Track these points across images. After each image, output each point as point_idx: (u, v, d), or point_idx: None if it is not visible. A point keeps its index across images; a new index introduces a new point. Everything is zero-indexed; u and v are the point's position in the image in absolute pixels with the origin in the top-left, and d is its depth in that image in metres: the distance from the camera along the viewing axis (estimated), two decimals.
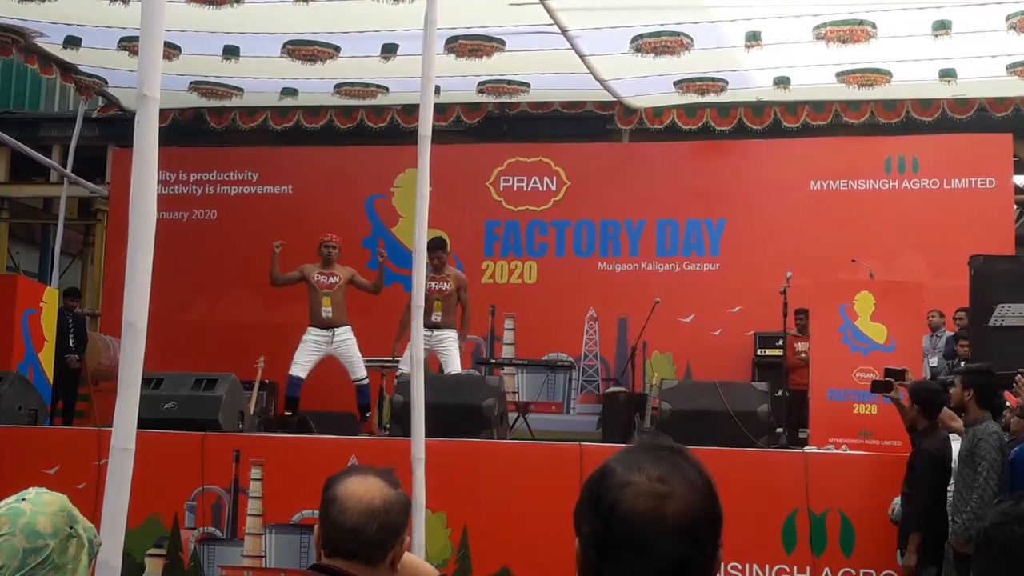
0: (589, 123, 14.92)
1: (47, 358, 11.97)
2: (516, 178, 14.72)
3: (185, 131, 14.97)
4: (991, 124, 13.56)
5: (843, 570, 8.53)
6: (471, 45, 11.67)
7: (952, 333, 11.93)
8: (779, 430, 10.37)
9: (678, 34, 11.20)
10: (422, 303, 7.68)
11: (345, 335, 11.27)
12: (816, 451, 9.15)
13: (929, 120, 13.46)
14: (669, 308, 13.10)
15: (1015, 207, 14.32)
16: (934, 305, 11.94)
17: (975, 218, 13.29)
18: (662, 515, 1.75)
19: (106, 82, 13.82)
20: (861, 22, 10.78)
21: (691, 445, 1.88)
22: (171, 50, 11.51)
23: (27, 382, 10.80)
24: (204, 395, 9.82)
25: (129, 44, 11.63)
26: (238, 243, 14.74)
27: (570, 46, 11.62)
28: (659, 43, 11.30)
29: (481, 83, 13.27)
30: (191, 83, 13.47)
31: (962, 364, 10.25)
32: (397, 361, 11.31)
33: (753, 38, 11.17)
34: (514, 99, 14.02)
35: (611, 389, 13.20)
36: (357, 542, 2.66)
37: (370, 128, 14.59)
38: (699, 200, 14.26)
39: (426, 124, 7.50)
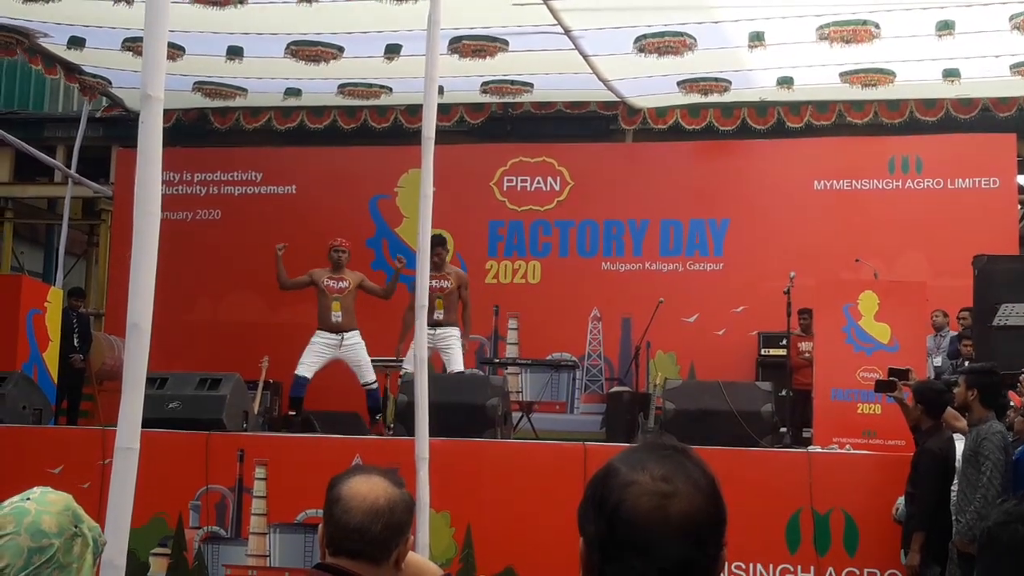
0: (593, 123, 14.92)
1: (51, 358, 11.99)
2: (520, 178, 14.72)
3: (189, 131, 14.98)
4: (995, 124, 13.55)
5: (847, 570, 8.53)
6: (475, 45, 11.68)
7: (956, 333, 11.93)
8: (783, 430, 10.37)
9: (681, 34, 11.21)
10: (426, 303, 7.68)
11: (354, 339, 11.28)
12: (820, 451, 9.14)
13: (933, 120, 13.45)
14: (673, 308, 13.10)
15: (1019, 207, 14.30)
16: (938, 305, 11.94)
17: (979, 218, 13.28)
18: (666, 515, 1.75)
19: (110, 82, 13.84)
20: (864, 22, 10.78)
21: (695, 445, 1.89)
22: (175, 50, 11.53)
23: (31, 382, 10.82)
24: (208, 395, 9.83)
25: (133, 44, 11.65)
26: (242, 243, 14.74)
27: (574, 46, 11.62)
28: (662, 43, 11.31)
29: (485, 83, 13.27)
30: (195, 83, 13.48)
31: (966, 364, 10.25)
32: (400, 361, 11.32)
33: (756, 38, 11.17)
34: (518, 99, 14.02)
35: (615, 389, 13.20)
36: (361, 541, 2.67)
37: (374, 128, 14.59)
38: (703, 200, 14.25)
39: (430, 124, 7.50)
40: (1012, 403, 7.92)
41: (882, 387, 8.54)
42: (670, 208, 14.34)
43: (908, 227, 13.53)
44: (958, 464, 7.41)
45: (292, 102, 14.30)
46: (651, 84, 12.94)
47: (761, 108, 13.79)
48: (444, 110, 12.77)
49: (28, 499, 2.50)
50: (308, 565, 8.58)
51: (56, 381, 12.06)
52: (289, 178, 15.16)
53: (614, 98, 13.80)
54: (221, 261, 14.89)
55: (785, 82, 12.73)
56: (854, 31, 10.86)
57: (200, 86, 13.59)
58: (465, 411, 9.48)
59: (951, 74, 12.16)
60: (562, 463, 8.84)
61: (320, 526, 2.77)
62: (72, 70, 13.41)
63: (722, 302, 13.85)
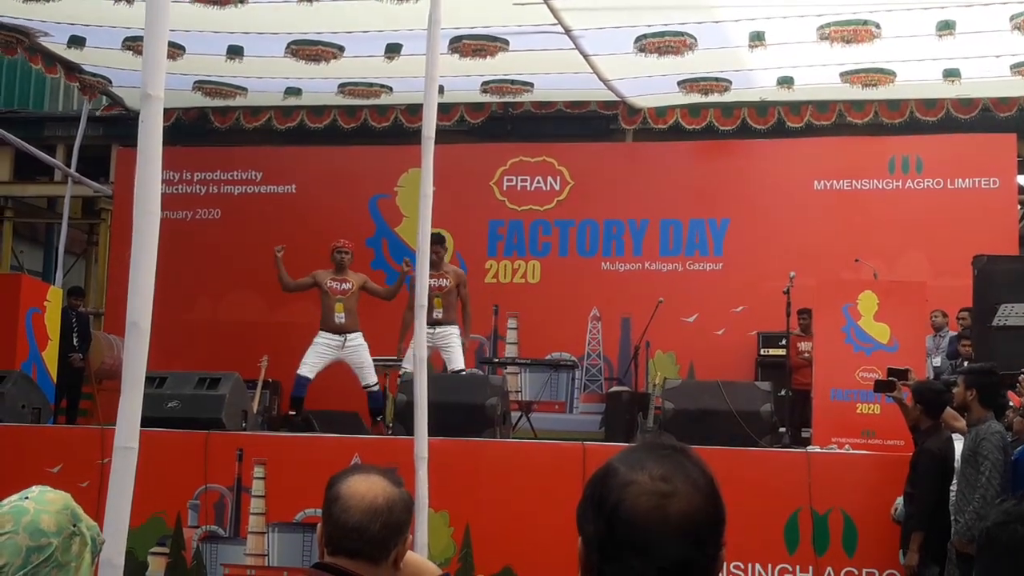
0: (593, 123, 14.92)
1: (51, 357, 11.99)
2: (520, 178, 14.72)
3: (189, 130, 14.98)
4: (995, 124, 13.55)
5: (845, 570, 8.53)
6: (475, 45, 11.67)
7: (955, 333, 11.93)
8: (782, 430, 10.37)
9: (682, 34, 11.20)
10: (425, 302, 7.68)
11: (357, 341, 11.27)
12: (819, 451, 9.14)
13: (933, 120, 13.45)
14: (672, 308, 13.10)
15: (1019, 207, 14.30)
16: (937, 305, 11.94)
17: (979, 218, 13.28)
18: (665, 515, 1.75)
19: (110, 81, 13.84)
20: (865, 22, 10.78)
21: (694, 444, 1.90)
22: (175, 50, 11.53)
23: (31, 381, 10.82)
24: (207, 394, 9.83)
25: (133, 44, 11.65)
26: (242, 243, 14.74)
27: (574, 46, 11.61)
28: (663, 43, 11.31)
29: (485, 83, 13.27)
30: (195, 83, 13.48)
31: (965, 364, 10.25)
32: (397, 360, 11.33)
33: (757, 38, 11.17)
34: (518, 99, 14.02)
35: (614, 388, 13.21)
36: (360, 540, 2.67)
37: (374, 128, 14.59)
38: (702, 200, 14.25)
39: (430, 124, 7.51)
40: (1011, 403, 7.92)
41: (881, 387, 8.55)
42: (670, 208, 14.34)
43: (908, 227, 13.53)
44: (957, 464, 7.41)
45: (292, 101, 14.29)
46: (651, 84, 12.94)
47: (761, 108, 13.79)
48: (444, 109, 12.77)
49: (27, 498, 2.50)
50: (307, 564, 8.58)
51: (55, 380, 12.07)
52: (289, 177, 15.16)
53: (614, 98, 13.80)
54: (221, 260, 14.89)
55: (785, 82, 12.73)
56: (854, 31, 10.86)
57: (200, 85, 13.59)
58: (464, 411, 9.49)
59: (951, 74, 12.16)
60: (561, 463, 8.85)
61: (319, 525, 2.77)
62: (72, 69, 13.41)
63: (722, 302, 13.85)
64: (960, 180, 13.70)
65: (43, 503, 2.49)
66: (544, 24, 11.03)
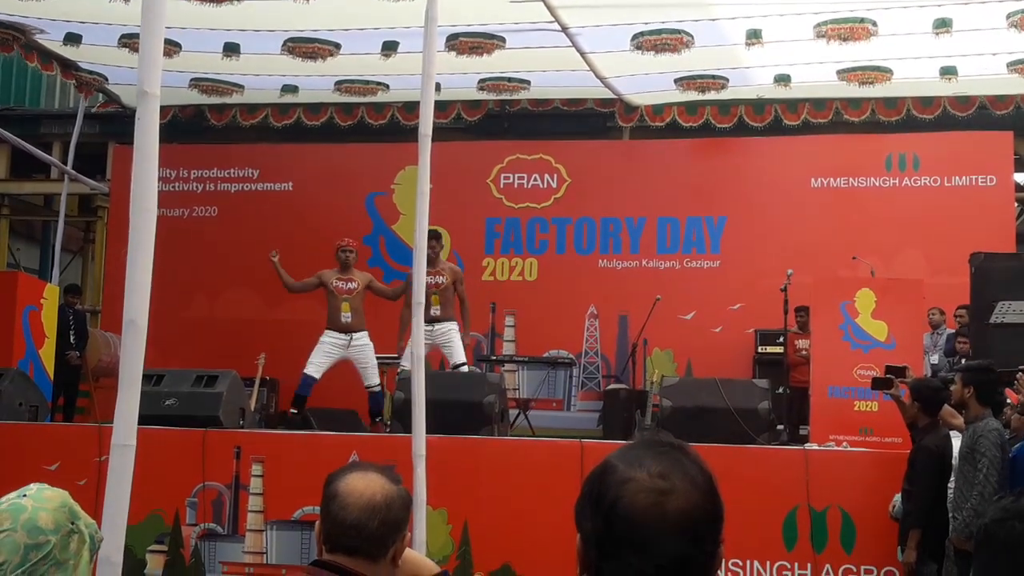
0: (590, 120, 14.92)
1: (48, 355, 11.98)
2: (517, 175, 14.72)
3: (185, 128, 14.97)
4: (992, 122, 13.56)
5: (844, 567, 8.54)
6: (472, 42, 11.66)
7: (953, 330, 11.93)
8: (780, 427, 10.38)
9: (679, 32, 11.20)
10: (423, 300, 7.68)
11: (363, 340, 11.30)
12: (817, 448, 9.14)
13: (930, 118, 13.47)
14: (670, 305, 13.11)
15: (1016, 204, 14.32)
16: (935, 303, 11.95)
17: (976, 215, 13.29)
18: (663, 512, 1.75)
19: (106, 79, 13.83)
20: (862, 20, 10.78)
21: (692, 442, 1.89)
22: (171, 47, 11.52)
23: (28, 379, 10.81)
24: (205, 391, 9.82)
25: (129, 41, 11.64)
26: (238, 240, 14.74)
27: (571, 43, 11.61)
28: (660, 40, 11.30)
29: (482, 80, 13.26)
30: (191, 80, 13.47)
31: (962, 361, 10.26)
32: (397, 358, 11.33)
33: (754, 36, 11.17)
34: (515, 96, 14.02)
35: (612, 386, 13.21)
36: (358, 538, 2.66)
37: (370, 125, 14.59)
38: (700, 197, 14.26)
39: (426, 121, 7.51)
40: (1009, 400, 7.93)
41: (879, 384, 8.55)
42: (667, 205, 14.34)
43: (905, 225, 13.55)
44: (955, 461, 7.41)
45: (289, 99, 14.29)
46: (648, 81, 12.94)
47: (758, 106, 13.79)
48: (441, 107, 12.77)
49: (25, 496, 2.50)
50: (305, 562, 8.58)
51: (52, 378, 12.06)
52: (286, 175, 15.16)
53: (611, 95, 13.80)
54: (218, 258, 14.89)
55: (782, 80, 12.72)
56: (851, 29, 10.86)
57: (197, 82, 13.58)
58: (462, 408, 9.48)
59: (948, 72, 12.17)
60: (559, 460, 8.85)
61: (317, 523, 2.77)
62: (68, 66, 13.40)
63: (719, 299, 13.86)
64: (957, 178, 13.71)
65: (41, 501, 2.49)
66: (541, 21, 11.03)
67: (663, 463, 1.80)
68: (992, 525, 2.29)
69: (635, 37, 11.34)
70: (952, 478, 7.42)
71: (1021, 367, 7.42)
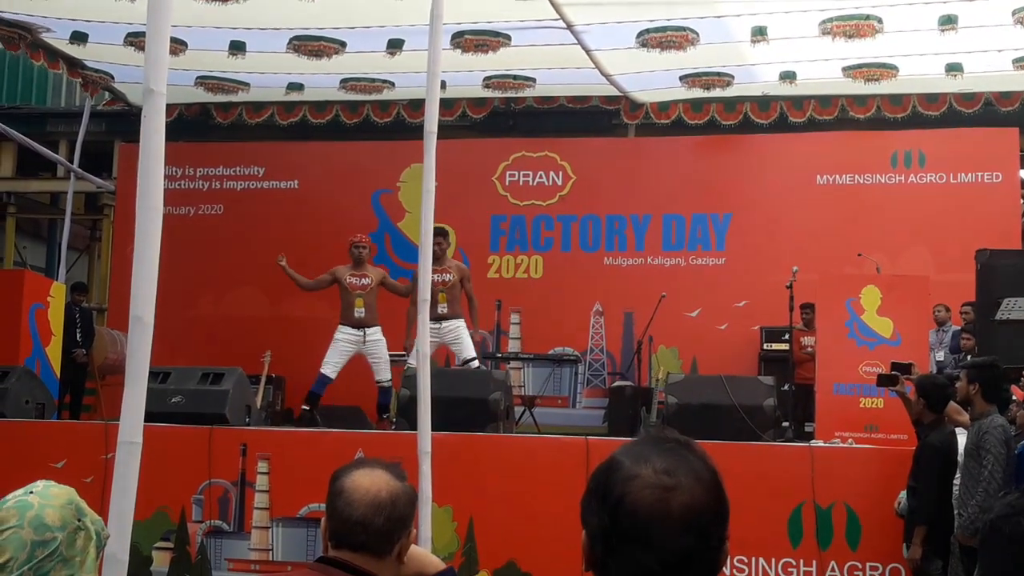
0: (595, 118, 14.91)
1: (54, 352, 11.99)
2: (522, 173, 14.72)
3: (191, 126, 14.99)
4: (998, 118, 13.54)
5: (849, 563, 8.53)
6: (477, 40, 11.67)
7: (958, 327, 11.92)
8: (785, 424, 10.38)
9: (684, 29, 11.20)
10: (428, 297, 7.68)
11: (376, 335, 11.34)
12: (822, 445, 9.14)
13: (935, 114, 13.46)
14: (675, 302, 13.11)
15: (1022, 201, 14.29)
16: (940, 299, 11.93)
17: (981, 212, 13.27)
18: (668, 508, 1.75)
19: (112, 77, 13.85)
20: (867, 17, 10.78)
21: (697, 439, 1.89)
22: (177, 45, 11.54)
23: (34, 376, 10.82)
24: (211, 389, 9.83)
25: (135, 39, 11.65)
26: (245, 238, 14.76)
27: (576, 41, 11.61)
28: (665, 38, 11.30)
29: (487, 78, 13.26)
30: (197, 78, 13.49)
31: (967, 358, 10.25)
32: (404, 356, 11.34)
33: (759, 33, 11.17)
34: (520, 94, 14.02)
35: (617, 383, 13.20)
36: (364, 534, 2.66)
37: (376, 123, 14.60)
38: (705, 194, 14.25)
39: (432, 119, 7.50)
40: (1014, 397, 7.92)
41: (884, 381, 8.55)
42: (672, 203, 14.34)
43: (911, 222, 13.53)
44: (960, 458, 7.41)
45: (294, 97, 14.30)
46: (653, 79, 12.94)
47: (764, 103, 13.79)
48: (446, 105, 12.77)
49: (31, 493, 2.51)
50: (311, 559, 8.59)
51: (59, 376, 12.07)
52: (291, 173, 15.17)
53: (616, 93, 13.79)
54: (223, 256, 14.90)
55: (788, 77, 12.72)
56: (857, 26, 10.85)
57: (202, 81, 13.60)
58: (467, 405, 9.48)
59: (954, 68, 12.16)
60: (564, 457, 8.85)
61: (323, 519, 2.77)
62: (75, 65, 13.41)
63: (724, 297, 13.86)
64: (963, 174, 13.69)
65: (47, 498, 2.50)
66: (546, 19, 11.03)
67: (669, 459, 1.80)
68: (998, 521, 2.29)
69: (640, 34, 11.34)
70: (957, 475, 7.42)
71: None
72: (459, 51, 11.67)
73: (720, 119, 13.92)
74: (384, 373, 11.36)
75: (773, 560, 8.61)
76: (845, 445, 9.11)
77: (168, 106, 4.85)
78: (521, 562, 8.85)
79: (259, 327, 14.04)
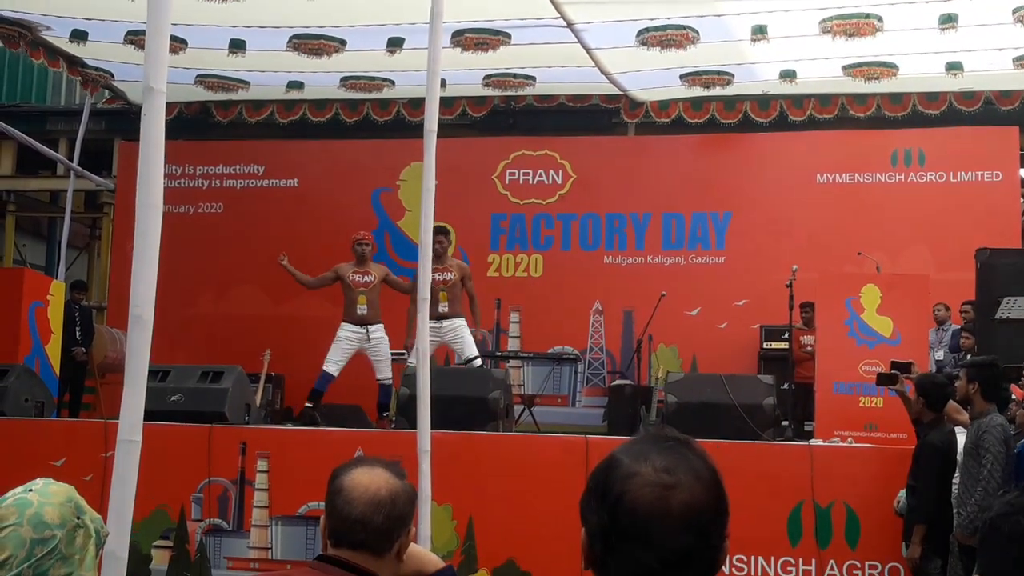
0: (595, 116, 14.91)
1: (54, 351, 11.99)
2: (522, 171, 14.72)
3: (191, 124, 14.99)
4: (998, 117, 13.54)
5: (848, 562, 8.53)
6: (477, 39, 11.66)
7: (958, 326, 11.92)
8: (785, 423, 10.37)
9: (684, 27, 11.20)
10: (428, 295, 7.68)
11: (379, 333, 11.36)
12: (822, 444, 9.14)
13: (936, 113, 13.46)
14: (675, 301, 13.11)
15: (1022, 200, 14.28)
16: (940, 298, 11.94)
17: (981, 211, 13.27)
18: (668, 506, 1.75)
19: (112, 76, 13.84)
20: (867, 16, 10.78)
21: (697, 438, 1.89)
22: (177, 44, 11.53)
23: (34, 374, 10.82)
24: (210, 387, 9.82)
25: (135, 38, 11.65)
26: (244, 236, 14.76)
27: (576, 39, 11.61)
28: (665, 36, 11.30)
29: (487, 76, 13.26)
30: (197, 76, 13.48)
31: (967, 357, 10.25)
32: (403, 354, 11.34)
33: (759, 31, 11.16)
34: (520, 92, 14.02)
35: (617, 382, 13.20)
36: (363, 532, 2.66)
37: (376, 121, 14.60)
38: (705, 193, 14.25)
39: (432, 117, 7.50)
40: (1014, 396, 7.92)
41: (884, 380, 8.55)
42: (672, 201, 14.34)
43: (911, 220, 13.53)
44: (959, 457, 7.41)
45: (294, 95, 14.29)
46: (654, 77, 12.94)
47: (764, 101, 13.79)
48: (446, 103, 12.77)
49: (30, 490, 2.51)
50: (310, 558, 8.59)
51: (58, 374, 12.07)
52: (291, 171, 15.17)
53: (616, 91, 13.79)
54: (223, 254, 14.90)
55: (788, 75, 12.72)
56: (857, 24, 10.85)
57: (202, 79, 13.59)
58: (467, 404, 9.48)
59: (954, 67, 12.16)
60: (564, 456, 8.85)
61: (322, 517, 2.77)
62: (74, 63, 13.41)
63: (724, 295, 13.86)
64: (963, 173, 13.69)
65: (47, 495, 2.50)
66: (546, 17, 11.03)
67: (668, 458, 1.80)
68: (997, 519, 2.29)
69: (641, 33, 11.34)
70: (957, 474, 7.42)
71: None
72: (459, 49, 11.67)
73: (720, 118, 13.93)
74: (385, 371, 11.37)
75: (772, 559, 8.61)
76: (844, 444, 9.11)
77: (168, 104, 4.85)
78: (520, 561, 8.85)
79: (259, 326, 14.05)
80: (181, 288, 13.69)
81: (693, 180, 14.33)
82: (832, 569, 8.56)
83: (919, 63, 12.10)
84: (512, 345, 14.12)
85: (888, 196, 13.78)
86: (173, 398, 9.61)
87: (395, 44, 11.94)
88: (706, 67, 12.59)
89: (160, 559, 9.31)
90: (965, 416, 7.60)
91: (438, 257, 11.13)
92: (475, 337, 11.38)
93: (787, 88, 13.20)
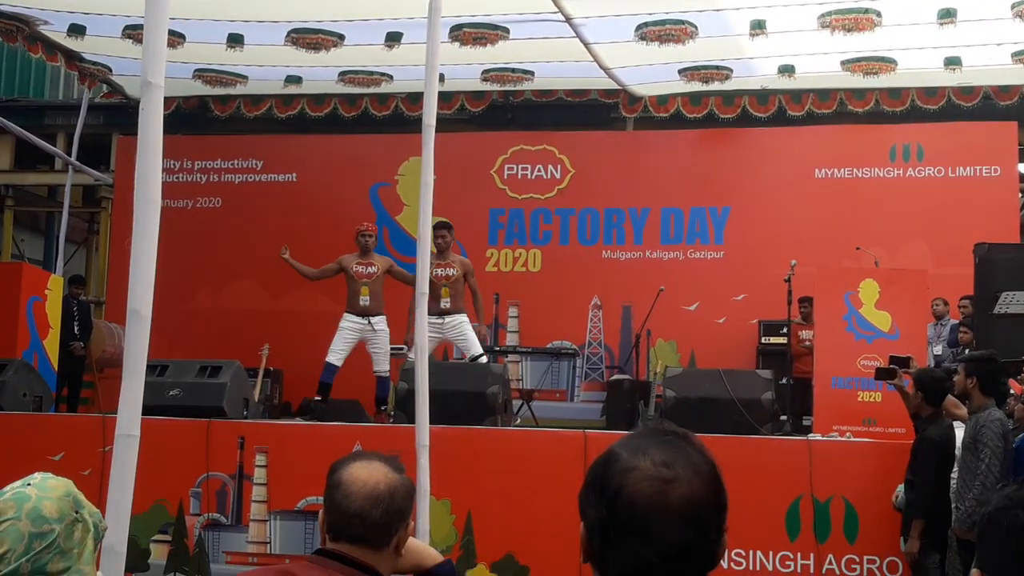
0: (593, 111, 14.90)
1: (52, 345, 11.99)
2: (520, 166, 14.71)
3: (189, 119, 14.97)
4: (996, 112, 13.54)
5: (846, 557, 8.54)
6: (475, 33, 11.65)
7: (957, 321, 11.93)
8: (783, 418, 10.37)
9: (683, 22, 11.19)
10: (426, 290, 7.68)
11: (381, 325, 11.36)
12: (820, 438, 9.14)
13: (934, 108, 13.45)
14: (673, 296, 13.11)
15: (1020, 195, 14.29)
16: (939, 293, 11.94)
17: (980, 206, 13.27)
18: (666, 500, 1.75)
19: (110, 70, 13.82)
20: (866, 10, 10.77)
21: (695, 432, 1.88)
22: (175, 38, 11.51)
23: (32, 369, 10.82)
24: (209, 382, 9.83)
25: (133, 32, 11.62)
26: (243, 231, 14.76)
27: (575, 34, 11.59)
28: (664, 31, 11.29)
29: (485, 71, 13.25)
30: (195, 71, 13.46)
31: (965, 351, 10.25)
32: (402, 349, 11.33)
33: (758, 26, 11.15)
34: (518, 87, 14.00)
35: (615, 377, 13.19)
36: (362, 526, 2.66)
37: (374, 116, 14.59)
38: (703, 188, 14.25)
39: (430, 112, 7.49)
40: (1012, 391, 7.93)
41: (882, 375, 8.55)
42: (671, 196, 14.33)
43: (909, 215, 13.53)
44: (958, 452, 7.42)
45: (293, 90, 14.28)
46: (652, 72, 12.92)
47: (762, 96, 13.78)
48: (445, 98, 12.76)
49: (29, 485, 2.51)
50: (308, 552, 8.59)
51: (56, 369, 12.07)
52: (290, 166, 15.16)
53: (615, 86, 13.78)
54: (221, 249, 14.90)
55: (786, 70, 12.71)
56: (856, 19, 10.84)
57: (200, 73, 13.57)
58: (465, 399, 9.49)
59: (953, 62, 12.15)
60: (562, 451, 8.85)
61: (320, 512, 2.77)
62: (73, 58, 13.39)
63: (723, 290, 13.86)
64: (961, 168, 13.69)
65: (45, 490, 2.49)
66: (545, 12, 11.01)
67: (667, 452, 1.80)
68: (996, 513, 2.28)
69: (639, 28, 11.32)
70: (955, 469, 7.43)
71: None
72: (457, 44, 11.66)
73: (719, 112, 13.92)
74: (383, 364, 11.38)
75: (771, 553, 8.62)
76: (843, 439, 9.12)
77: (166, 99, 4.85)
78: (519, 555, 8.85)
79: (257, 320, 14.05)
80: (179, 283, 13.69)
81: (692, 175, 14.32)
82: (831, 563, 8.56)
83: (918, 58, 12.09)
84: (511, 340, 14.13)
85: (887, 191, 13.78)
86: (171, 393, 9.61)
87: (393, 39, 11.91)
88: (705, 62, 12.57)
89: (159, 553, 9.31)
90: (963, 411, 7.60)
91: (441, 253, 11.14)
92: (478, 332, 11.38)
93: (786, 83, 13.19)
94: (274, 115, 14.86)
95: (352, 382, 11.61)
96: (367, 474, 2.71)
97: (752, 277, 13.58)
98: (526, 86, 13.94)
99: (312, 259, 11.85)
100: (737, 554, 8.58)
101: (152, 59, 4.64)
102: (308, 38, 11.95)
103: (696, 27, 11.24)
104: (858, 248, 12.35)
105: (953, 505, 7.32)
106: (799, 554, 8.61)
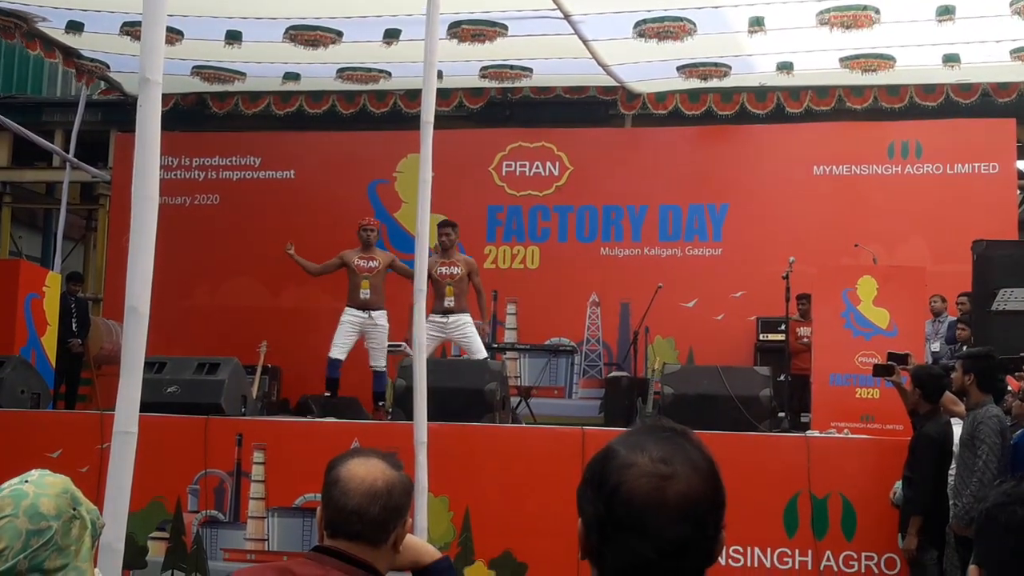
0: (592, 108, 14.89)
1: (50, 342, 11.99)
2: (519, 163, 14.71)
3: (187, 116, 14.96)
4: (994, 109, 13.54)
5: (844, 553, 8.55)
6: (474, 30, 11.64)
7: (955, 318, 11.94)
8: (781, 414, 10.37)
9: (681, 19, 11.18)
10: (424, 287, 7.67)
11: (382, 320, 11.39)
12: (818, 435, 9.14)
13: (932, 105, 13.45)
14: (671, 293, 13.11)
15: (1018, 192, 14.30)
16: (937, 290, 11.94)
17: (978, 203, 13.28)
18: (664, 496, 1.75)
19: (108, 67, 13.81)
20: (865, 7, 10.76)
21: (693, 429, 1.88)
22: (173, 35, 11.51)
23: (30, 366, 10.82)
24: (207, 379, 9.83)
25: (131, 29, 11.62)
26: (241, 228, 14.75)
27: (573, 31, 11.59)
28: (662, 28, 11.28)
29: (484, 68, 13.24)
30: (193, 68, 13.45)
31: (963, 348, 10.26)
32: (400, 346, 11.33)
33: (756, 23, 11.14)
34: (517, 84, 13.99)
35: (613, 374, 13.22)
36: (360, 523, 2.66)
37: (372, 113, 14.58)
38: (702, 185, 14.25)
39: (428, 109, 7.48)
40: (1010, 388, 7.93)
41: (880, 372, 8.56)
42: (669, 193, 14.33)
43: (907, 212, 13.53)
44: (956, 448, 7.42)
45: (291, 87, 14.26)
46: (651, 69, 12.91)
47: (761, 93, 13.77)
48: (443, 95, 12.75)
49: (26, 481, 2.50)
50: (306, 548, 8.59)
51: (54, 365, 12.08)
52: (288, 163, 15.15)
53: (613, 83, 13.77)
54: (220, 246, 14.89)
55: (785, 67, 12.71)
56: (854, 16, 10.83)
57: (199, 70, 13.56)
58: (464, 396, 9.49)
59: (951, 59, 12.15)
60: (560, 448, 8.85)
61: (318, 509, 2.77)
62: (70, 54, 13.37)
63: (721, 287, 13.86)
64: (960, 165, 13.69)
65: (43, 487, 2.49)
66: (543, 9, 11.01)
67: (665, 448, 1.80)
68: (993, 509, 2.29)
69: (638, 24, 11.32)
70: (953, 465, 7.43)
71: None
72: (456, 41, 11.65)
73: (717, 109, 13.91)
74: (379, 359, 11.39)
75: (769, 550, 8.62)
76: (841, 435, 9.12)
77: (164, 96, 4.84)
78: (517, 552, 8.86)
79: (255, 317, 14.04)
80: (177, 280, 13.68)
81: (690, 172, 14.32)
82: (828, 560, 8.57)
83: (916, 55, 12.09)
84: (509, 337, 14.13)
85: (885, 188, 13.79)
86: (169, 390, 9.61)
87: (392, 35, 11.91)
88: (703, 59, 12.57)
89: (156, 550, 9.31)
90: (961, 407, 7.61)
91: (446, 251, 11.15)
92: (481, 330, 11.38)
93: (784, 80, 13.18)
94: (272, 112, 14.84)
95: (350, 380, 11.60)
96: (365, 471, 2.71)
97: (750, 274, 13.58)
98: (524, 83, 13.93)
99: (310, 256, 11.85)
100: (735, 550, 8.58)
101: (150, 56, 4.64)
102: (306, 35, 11.95)
103: (695, 24, 11.24)
104: (856, 245, 12.37)
105: (951, 502, 7.33)
106: (797, 551, 8.61)
